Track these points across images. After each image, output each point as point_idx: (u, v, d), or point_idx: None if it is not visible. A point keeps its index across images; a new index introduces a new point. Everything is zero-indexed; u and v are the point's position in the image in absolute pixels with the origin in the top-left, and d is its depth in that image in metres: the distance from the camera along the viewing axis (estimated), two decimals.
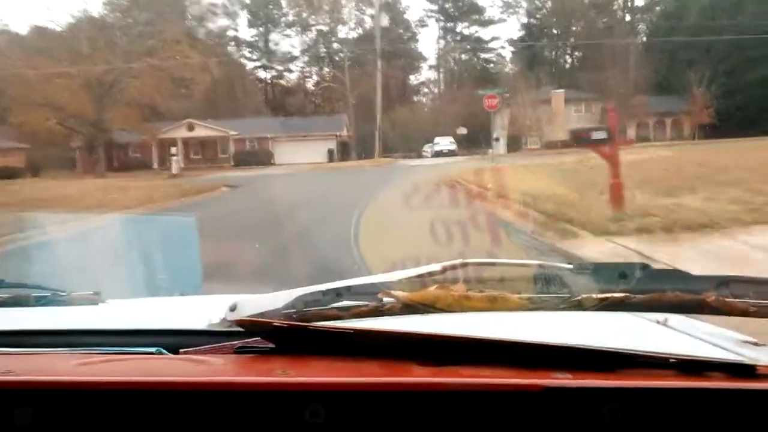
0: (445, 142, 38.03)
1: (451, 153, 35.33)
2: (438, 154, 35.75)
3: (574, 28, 50.60)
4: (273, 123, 41.00)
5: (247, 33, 56.29)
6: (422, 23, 58.12)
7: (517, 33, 56.84)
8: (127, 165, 36.30)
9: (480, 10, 56.55)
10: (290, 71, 58.28)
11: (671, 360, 0.66)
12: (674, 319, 0.89)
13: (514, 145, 34.29)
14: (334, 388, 0.61)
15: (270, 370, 0.67)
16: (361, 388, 0.61)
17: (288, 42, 59.86)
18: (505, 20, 59.67)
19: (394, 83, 51.50)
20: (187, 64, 33.77)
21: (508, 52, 57.77)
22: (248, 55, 58.20)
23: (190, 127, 38.38)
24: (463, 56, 58.16)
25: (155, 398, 0.61)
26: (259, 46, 58.05)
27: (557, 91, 36.78)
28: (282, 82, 58.08)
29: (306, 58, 56.25)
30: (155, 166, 38.67)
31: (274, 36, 57.30)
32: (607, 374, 0.63)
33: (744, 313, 0.73)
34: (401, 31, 55.56)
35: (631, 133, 37.72)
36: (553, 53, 54.06)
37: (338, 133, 38.86)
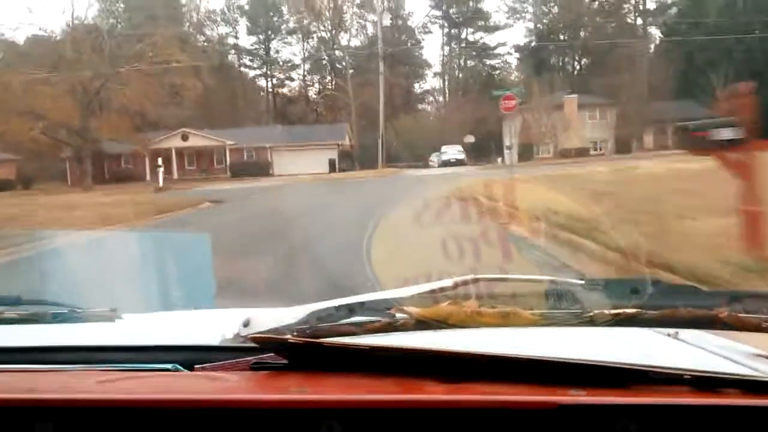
0: (453, 151, 35.51)
1: (459, 162, 32.87)
2: (446, 163, 33.23)
3: (582, 33, 50.30)
4: (272, 132, 39.11)
5: (247, 40, 56.67)
6: (426, 29, 57.61)
7: (523, 39, 57.37)
8: (118, 177, 34.95)
9: (485, 16, 56.12)
10: (291, 79, 58.16)
11: (685, 376, 0.66)
12: (685, 332, 0.86)
13: (526, 154, 32.00)
14: (350, 406, 0.63)
15: (285, 388, 0.69)
16: (377, 406, 0.63)
17: (289, 49, 59.70)
18: (511, 25, 58.91)
19: (398, 91, 51.25)
20: (179, 70, 32.48)
21: (514, 59, 57.74)
22: (249, 62, 57.96)
23: (185, 137, 36.41)
24: (469, 62, 58.15)
25: (172, 416, 0.64)
26: (259, 53, 57.78)
27: (570, 96, 34.29)
28: (283, 90, 58.81)
29: (308, 66, 56.09)
30: (148, 177, 36.75)
31: (275, 44, 57.11)
32: (620, 390, 0.64)
33: (757, 328, 0.73)
34: (404, 37, 55.71)
35: (648, 140, 35.29)
36: (562, 58, 53.66)
37: (340, 143, 36.84)
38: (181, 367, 0.83)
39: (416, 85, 57.66)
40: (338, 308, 0.83)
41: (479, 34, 56.48)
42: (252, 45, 56.58)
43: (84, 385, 0.75)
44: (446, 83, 57.77)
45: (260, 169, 36.08)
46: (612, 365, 0.66)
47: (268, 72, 56.18)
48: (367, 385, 0.67)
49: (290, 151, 37.43)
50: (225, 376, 0.78)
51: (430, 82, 60.79)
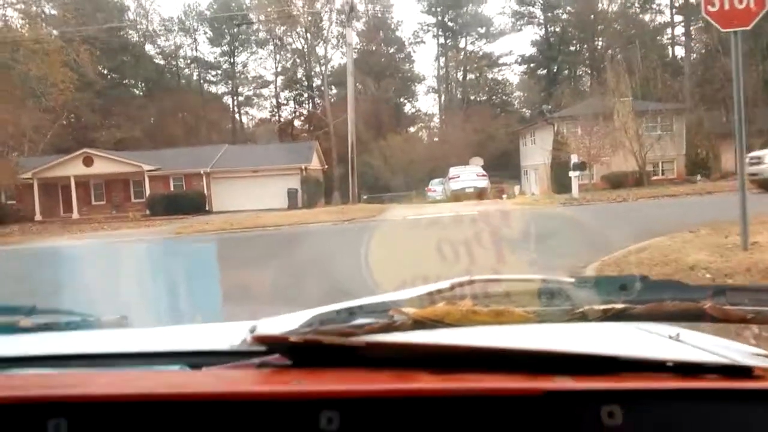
0: (469, 176, 22.45)
1: (479, 192, 19.78)
2: (458, 194, 20.30)
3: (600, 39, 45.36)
4: (212, 153, 26.36)
5: (206, 50, 47.16)
6: (418, 39, 53.50)
7: (529, 48, 52.85)
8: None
9: (486, 22, 51.67)
10: (262, 96, 53.34)
11: (668, 364, 0.76)
12: (687, 334, 0.95)
13: (561, 178, 20.05)
14: (347, 395, 0.71)
15: (286, 381, 0.79)
16: (373, 395, 0.71)
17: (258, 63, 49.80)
18: (519, 29, 53.35)
19: (385, 109, 45.21)
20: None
21: (518, 67, 53.83)
22: (212, 78, 53.08)
23: (88, 161, 23.93)
24: (469, 75, 52.39)
25: (178, 409, 0.73)
26: (222, 66, 52.84)
27: (623, 99, 22.45)
28: (251, 109, 46.94)
29: (280, 81, 51.19)
30: (38, 216, 28.69)
31: (242, 57, 52.13)
32: (606, 377, 0.72)
33: (742, 320, 0.80)
34: (392, 50, 51.51)
35: (728, 159, 23.08)
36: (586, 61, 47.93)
37: (304, 167, 24.42)
38: (189, 368, 0.93)
39: (407, 104, 53.57)
40: (339, 312, 0.88)
41: (480, 43, 51.91)
42: (215, 58, 52.08)
43: (96, 382, 0.83)
44: (442, 98, 53.38)
45: (192, 203, 28.15)
46: (597, 355, 0.76)
47: (233, 88, 45.60)
48: (364, 378, 0.75)
49: (236, 179, 25.08)
50: (230, 373, 0.86)
51: (424, 98, 57.36)
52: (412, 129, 50.81)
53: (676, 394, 0.69)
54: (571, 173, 21.08)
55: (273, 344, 0.85)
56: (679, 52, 44.09)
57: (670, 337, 0.92)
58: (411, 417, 0.70)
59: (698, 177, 26.71)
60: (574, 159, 21.77)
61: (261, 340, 0.85)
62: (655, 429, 0.68)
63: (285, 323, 0.86)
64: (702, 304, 0.79)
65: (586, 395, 0.68)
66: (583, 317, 0.82)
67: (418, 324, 0.82)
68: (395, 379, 0.74)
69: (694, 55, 40.07)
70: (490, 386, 0.70)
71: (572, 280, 0.91)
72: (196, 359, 0.95)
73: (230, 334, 0.99)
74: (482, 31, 51.23)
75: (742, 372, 0.73)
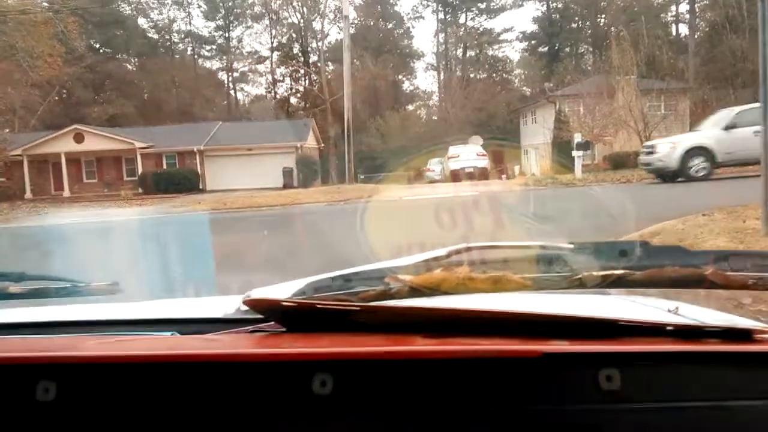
0: (468, 155, 21.62)
1: (480, 173, 18.98)
2: (457, 174, 19.58)
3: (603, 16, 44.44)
4: (205, 130, 25.68)
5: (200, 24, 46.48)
6: (417, 14, 51.90)
7: (531, 25, 53.09)
8: None
9: None
10: (257, 72, 51.70)
11: (668, 328, 0.75)
12: (686, 307, 0.93)
13: (563, 158, 19.32)
14: (340, 357, 0.70)
15: (278, 345, 0.79)
16: (366, 357, 0.70)
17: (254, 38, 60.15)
18: (521, 5, 55.09)
19: (383, 86, 43.46)
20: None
21: (518, 44, 53.66)
22: (206, 53, 51.20)
23: (79, 137, 23.25)
24: (469, 52, 50.88)
25: (169, 372, 0.72)
26: (217, 41, 50.91)
27: (628, 77, 21.72)
28: (246, 85, 46.84)
29: (276, 57, 49.57)
30: (28, 194, 27.84)
31: (237, 31, 50.37)
32: (604, 340, 0.71)
33: (743, 286, 0.79)
34: (391, 26, 50.18)
35: None
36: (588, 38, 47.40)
37: (299, 145, 23.75)
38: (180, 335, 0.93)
39: (406, 81, 51.96)
40: (334, 279, 0.88)
41: (480, 19, 50.77)
42: (210, 32, 50.61)
43: (85, 346, 0.83)
44: (441, 76, 51.65)
45: (186, 181, 27.29)
46: (595, 319, 0.74)
47: (228, 64, 44.90)
48: (358, 342, 0.74)
49: (230, 157, 24.42)
50: (222, 338, 0.85)
51: (422, 75, 53.03)
52: (410, 107, 49.94)
53: (675, 358, 0.67)
54: (574, 153, 20.10)
55: (266, 310, 0.83)
56: (683, 30, 43.67)
57: (669, 311, 0.89)
58: (405, 380, 0.68)
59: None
60: (578, 138, 20.84)
61: (253, 304, 0.83)
62: (654, 393, 0.66)
63: (279, 291, 0.85)
64: (703, 269, 0.77)
65: (584, 358, 0.67)
66: (582, 283, 0.80)
67: (415, 291, 0.82)
68: (389, 342, 0.72)
69: (699, 33, 39.29)
70: (486, 348, 0.68)
71: (571, 246, 0.86)
72: (188, 327, 0.94)
73: (223, 306, 0.97)
74: (483, 6, 50.22)
75: (742, 335, 0.71)
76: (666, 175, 14.54)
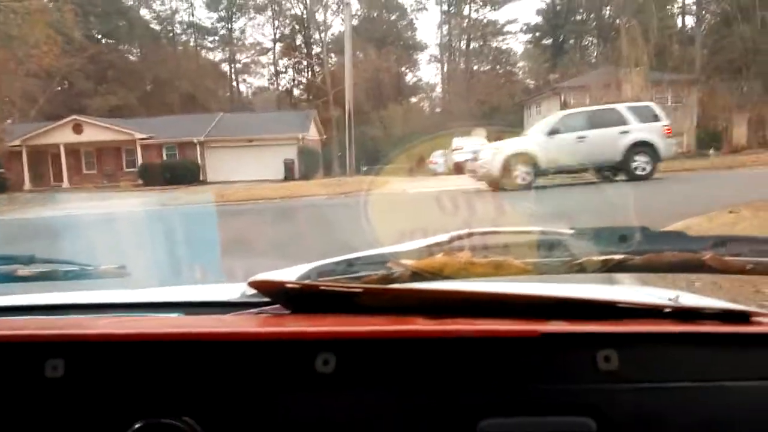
0: (473, 147, 20.61)
1: None
2: (460, 167, 18.84)
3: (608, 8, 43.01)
4: (206, 122, 25.08)
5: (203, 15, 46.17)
6: (421, 5, 51.59)
7: (535, 17, 51.70)
8: None
9: None
10: (259, 63, 51.16)
11: (666, 309, 0.75)
12: (686, 297, 0.93)
13: None
14: (343, 336, 0.72)
15: (282, 325, 0.80)
16: (369, 336, 0.71)
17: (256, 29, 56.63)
18: None
19: (386, 78, 42.84)
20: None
21: (522, 36, 51.86)
22: (209, 44, 50.47)
23: (77, 128, 22.73)
24: (473, 44, 50.40)
25: (176, 350, 0.73)
26: (219, 33, 50.35)
27: (633, 69, 21.16)
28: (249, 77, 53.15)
29: (278, 48, 49.21)
30: (27, 185, 27.38)
31: (240, 23, 51.11)
32: (602, 321, 0.71)
33: (741, 271, 0.79)
34: (394, 17, 49.52)
35: (740, 132, 21.53)
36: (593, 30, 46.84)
37: (301, 136, 23.15)
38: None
39: (409, 73, 51.53)
40: (338, 263, 0.89)
41: (484, 11, 49.94)
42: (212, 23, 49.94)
43: (94, 325, 0.84)
44: (445, 67, 51.28)
45: (186, 172, 26.68)
46: (594, 300, 0.75)
47: (230, 55, 44.56)
48: (360, 322, 0.75)
49: (231, 148, 23.88)
50: (228, 318, 0.86)
51: (425, 67, 52.91)
52: (413, 99, 49.70)
53: (673, 339, 0.68)
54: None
55: (270, 292, 0.85)
56: (689, 22, 42.95)
57: (669, 300, 0.89)
58: (406, 360, 0.70)
59: (711, 151, 25.46)
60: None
61: (258, 286, 0.83)
62: (651, 373, 0.67)
63: (283, 275, 0.85)
64: (702, 254, 0.77)
65: (582, 339, 0.67)
66: (582, 268, 0.80)
67: (416, 276, 0.82)
68: (391, 323, 0.73)
69: (705, 25, 38.61)
70: (485, 328, 0.68)
71: (571, 231, 0.87)
72: (194, 309, 0.96)
73: (229, 291, 0.99)
74: None
75: (740, 317, 0.71)
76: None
